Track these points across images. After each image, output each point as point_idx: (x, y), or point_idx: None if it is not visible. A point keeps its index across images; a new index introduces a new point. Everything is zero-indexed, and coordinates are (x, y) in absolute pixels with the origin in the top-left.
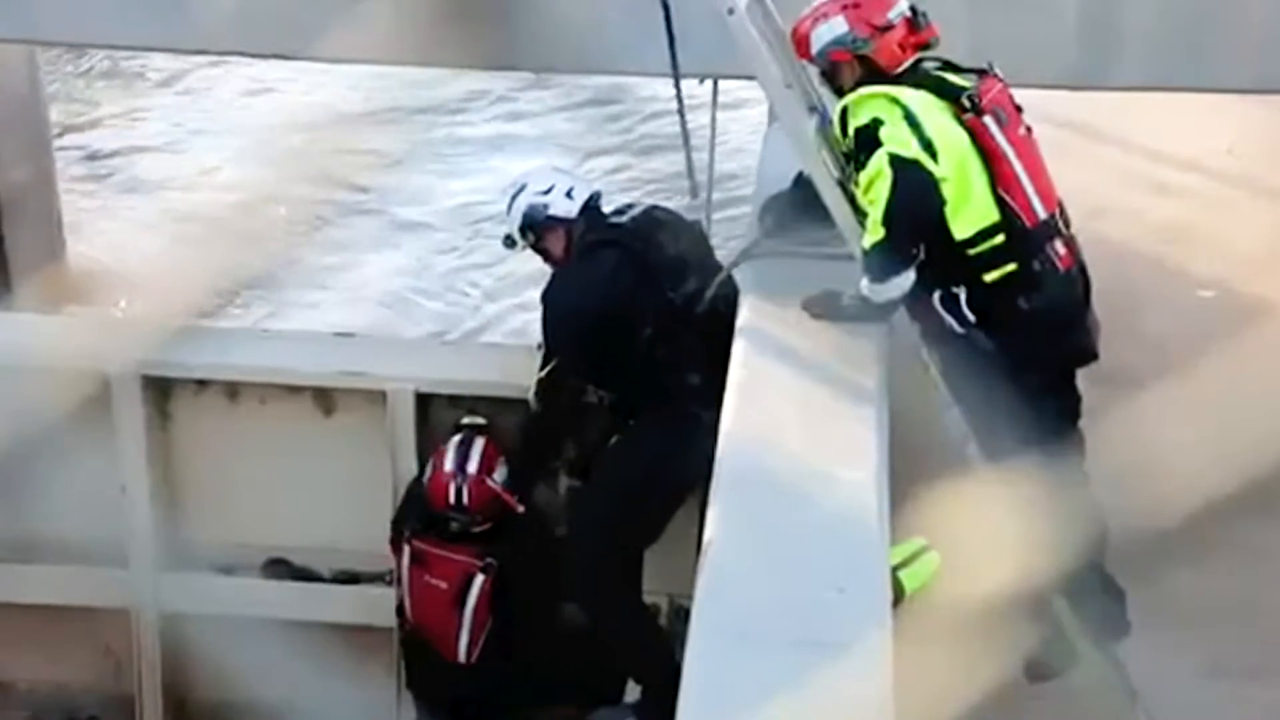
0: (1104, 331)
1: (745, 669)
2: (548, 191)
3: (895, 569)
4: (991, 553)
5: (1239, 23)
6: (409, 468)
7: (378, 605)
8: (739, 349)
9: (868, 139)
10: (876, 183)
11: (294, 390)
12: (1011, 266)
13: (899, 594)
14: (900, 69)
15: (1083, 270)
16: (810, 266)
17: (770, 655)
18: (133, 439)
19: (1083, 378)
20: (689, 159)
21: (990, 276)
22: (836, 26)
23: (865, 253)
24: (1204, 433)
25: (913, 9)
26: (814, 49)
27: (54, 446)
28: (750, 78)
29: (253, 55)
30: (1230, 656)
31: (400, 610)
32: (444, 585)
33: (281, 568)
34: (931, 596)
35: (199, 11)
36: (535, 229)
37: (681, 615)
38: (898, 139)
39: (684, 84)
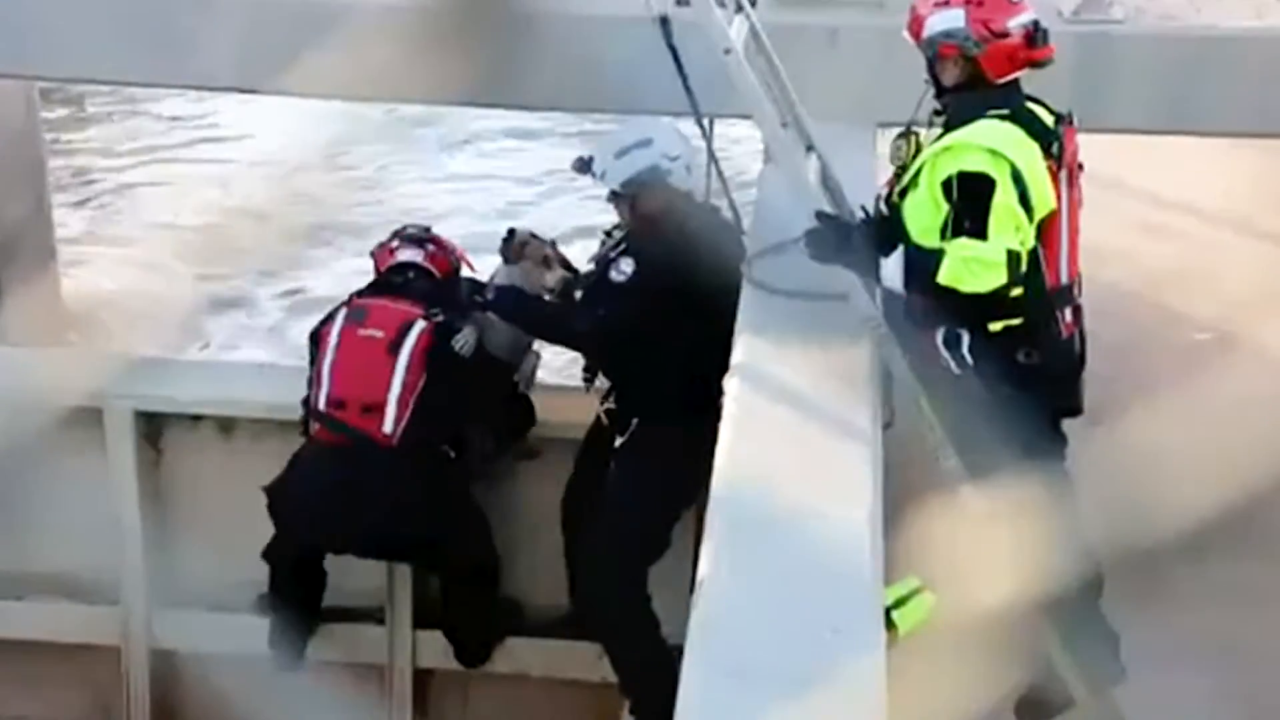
0: (1100, 374)
1: (738, 708)
2: (676, 159)
3: (889, 609)
4: (984, 592)
5: (1233, 67)
6: None
7: (370, 644)
8: (733, 386)
9: (974, 194)
10: (983, 262)
11: (288, 425)
12: (1017, 320)
13: (892, 634)
14: (1003, 81)
15: (1082, 336)
16: (804, 305)
17: (763, 695)
18: (125, 474)
19: (1078, 420)
20: (728, 197)
21: (995, 326)
22: (953, 19)
23: (936, 286)
24: (1198, 474)
25: (1035, 24)
26: (925, 34)
27: (46, 481)
28: (747, 117)
29: (252, 91)
30: (1223, 697)
31: (306, 420)
32: (380, 334)
33: None
34: (924, 635)
35: (198, 49)
36: (643, 186)
37: (675, 654)
38: (1008, 219)
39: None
